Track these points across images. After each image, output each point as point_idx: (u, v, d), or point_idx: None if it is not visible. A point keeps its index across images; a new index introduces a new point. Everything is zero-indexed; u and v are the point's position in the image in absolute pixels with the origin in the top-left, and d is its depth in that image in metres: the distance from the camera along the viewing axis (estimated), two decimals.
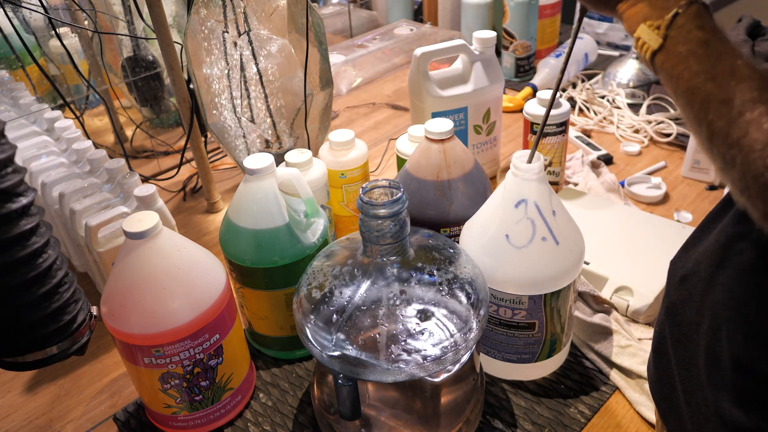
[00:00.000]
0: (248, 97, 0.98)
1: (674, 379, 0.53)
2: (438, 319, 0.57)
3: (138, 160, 1.22)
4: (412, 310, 0.57)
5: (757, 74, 0.41)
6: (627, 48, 1.53)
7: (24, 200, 0.55)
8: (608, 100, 1.30)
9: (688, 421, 0.52)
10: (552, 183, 1.00)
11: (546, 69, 1.38)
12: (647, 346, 0.74)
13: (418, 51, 0.99)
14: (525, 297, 0.66)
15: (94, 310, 0.65)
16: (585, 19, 1.59)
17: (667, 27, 0.45)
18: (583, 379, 0.73)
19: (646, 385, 0.70)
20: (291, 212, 0.72)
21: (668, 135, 1.18)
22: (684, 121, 0.47)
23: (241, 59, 0.95)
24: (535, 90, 1.36)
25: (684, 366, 0.52)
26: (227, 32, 0.93)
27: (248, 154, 0.98)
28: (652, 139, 1.20)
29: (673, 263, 0.56)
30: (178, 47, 0.97)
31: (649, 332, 0.77)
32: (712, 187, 1.06)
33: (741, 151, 0.39)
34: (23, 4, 0.96)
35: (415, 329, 0.56)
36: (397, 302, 0.57)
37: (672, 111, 1.23)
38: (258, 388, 0.75)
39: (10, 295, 0.55)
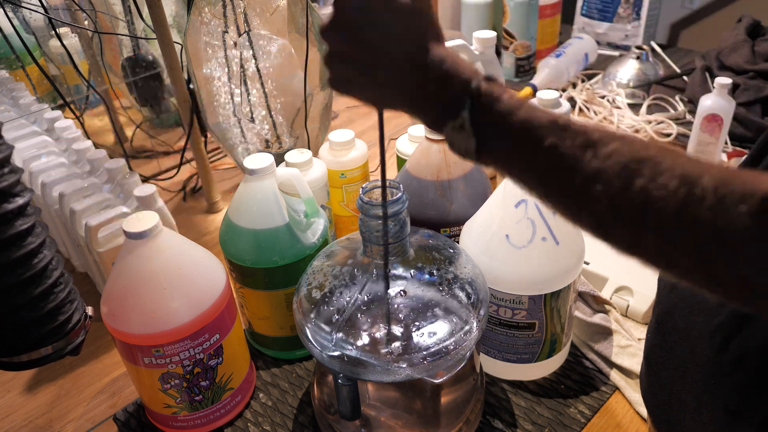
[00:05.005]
0: (248, 97, 0.98)
1: (667, 387, 0.53)
2: (438, 320, 0.57)
3: (138, 160, 1.22)
4: (412, 310, 0.57)
5: (582, 137, 0.36)
6: (627, 48, 1.53)
7: (20, 200, 0.55)
8: (608, 100, 1.30)
9: (686, 429, 0.51)
10: None
11: (546, 69, 1.38)
12: None
13: None
14: (525, 297, 0.66)
15: (89, 310, 0.65)
16: (585, 19, 1.59)
17: (471, 122, 0.39)
18: (583, 379, 0.73)
19: None
20: (291, 212, 0.72)
21: (668, 135, 1.18)
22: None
23: (241, 59, 0.95)
24: (535, 90, 1.36)
25: (678, 373, 0.51)
26: (227, 32, 0.93)
27: (248, 154, 0.98)
28: (652, 139, 1.20)
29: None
30: (178, 47, 0.97)
31: None
32: None
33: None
34: (23, 4, 0.96)
35: (415, 329, 0.56)
36: (397, 302, 0.57)
37: (672, 111, 1.23)
38: (258, 388, 0.75)
39: (6, 294, 0.55)
